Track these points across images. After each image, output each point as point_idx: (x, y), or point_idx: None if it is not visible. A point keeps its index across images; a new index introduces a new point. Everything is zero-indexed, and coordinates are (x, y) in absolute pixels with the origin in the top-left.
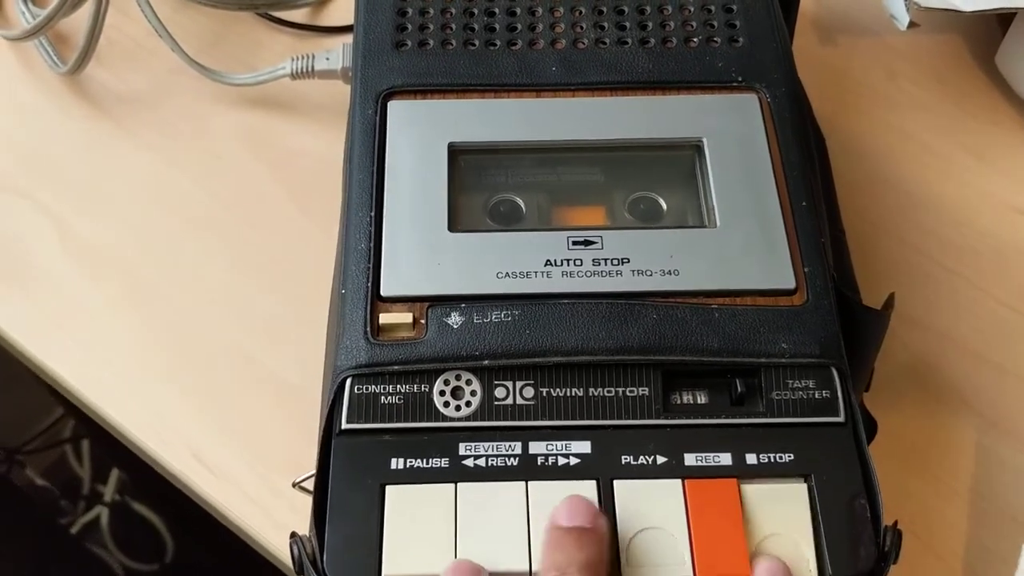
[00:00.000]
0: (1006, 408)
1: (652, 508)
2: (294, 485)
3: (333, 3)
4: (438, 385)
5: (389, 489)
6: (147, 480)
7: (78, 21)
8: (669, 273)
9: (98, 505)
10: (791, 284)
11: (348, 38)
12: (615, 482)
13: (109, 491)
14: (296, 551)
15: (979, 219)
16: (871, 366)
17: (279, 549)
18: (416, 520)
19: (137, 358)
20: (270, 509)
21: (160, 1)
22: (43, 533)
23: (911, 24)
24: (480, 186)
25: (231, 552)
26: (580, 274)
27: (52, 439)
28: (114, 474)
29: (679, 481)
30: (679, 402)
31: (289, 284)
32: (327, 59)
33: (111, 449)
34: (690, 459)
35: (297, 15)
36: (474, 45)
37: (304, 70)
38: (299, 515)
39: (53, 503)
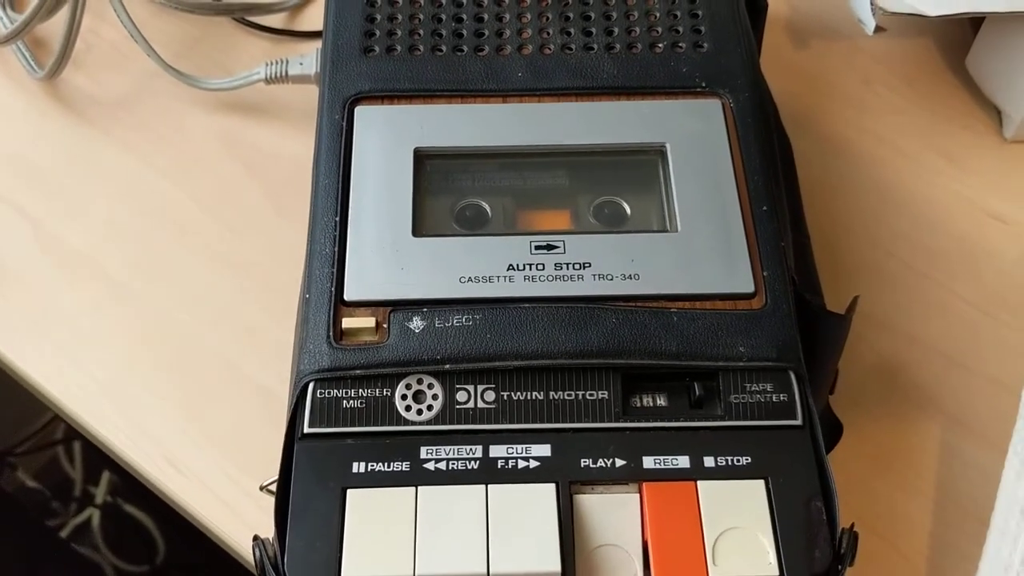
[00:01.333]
0: (972, 408)
1: (609, 522)
2: (261, 488)
3: (309, 8)
4: (400, 389)
5: (350, 492)
6: (138, 482)
7: (55, 26)
8: (630, 277)
9: (89, 507)
10: (750, 288)
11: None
12: (574, 498)
13: (100, 493)
14: (258, 554)
15: (950, 221)
16: (834, 369)
17: (250, 552)
18: (377, 523)
19: (113, 362)
20: (242, 512)
21: (136, 6)
22: (34, 535)
23: (878, 28)
24: (446, 191)
25: (221, 553)
26: (542, 279)
27: (43, 441)
28: (105, 476)
29: (636, 495)
30: (638, 405)
31: (266, 285)
32: (301, 64)
33: (102, 451)
34: (649, 462)
35: (273, 20)
36: (441, 51)
37: (278, 75)
38: (271, 517)
39: (44, 505)
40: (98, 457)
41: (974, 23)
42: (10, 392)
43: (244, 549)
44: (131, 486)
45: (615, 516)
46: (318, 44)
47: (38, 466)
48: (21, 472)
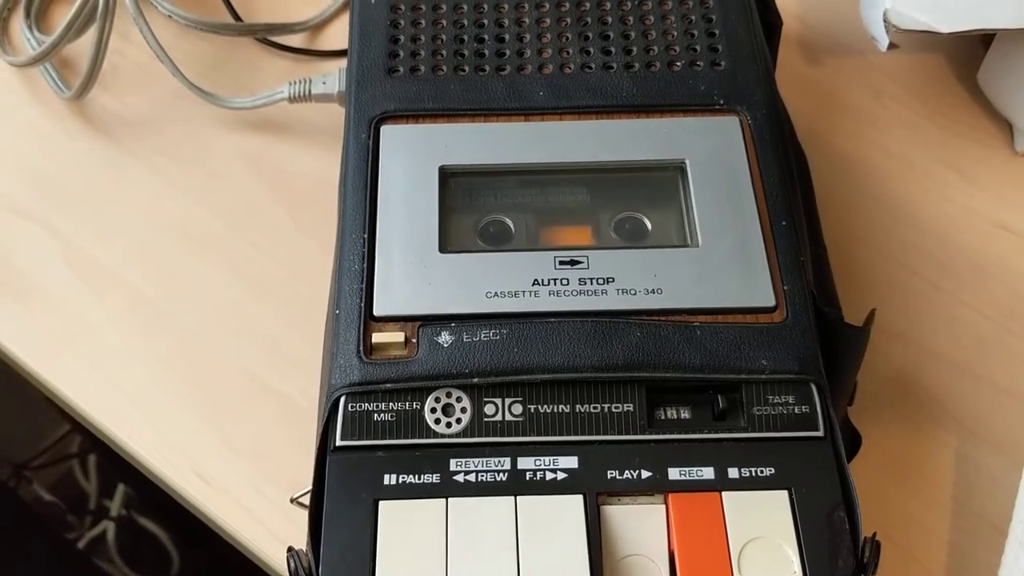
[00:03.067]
0: (985, 418)
1: (636, 533)
2: (292, 501)
3: (330, 28)
4: (429, 402)
5: (382, 504)
6: (153, 495)
7: (82, 47)
8: (653, 292)
9: (104, 520)
10: (771, 302)
11: (344, 62)
12: (601, 508)
13: (115, 506)
14: (293, 565)
15: (961, 234)
16: (853, 381)
17: (279, 563)
18: (408, 534)
19: (140, 375)
20: (270, 524)
21: (161, 27)
22: (50, 548)
23: (891, 46)
24: (470, 208)
25: (236, 567)
26: (566, 293)
27: (59, 454)
28: (120, 489)
29: (662, 506)
30: (663, 418)
31: (289, 301)
32: (323, 83)
33: (117, 464)
34: (674, 473)
35: (295, 40)
36: (464, 71)
37: (301, 94)
38: (299, 529)
39: (60, 518)
40: (113, 470)
41: (985, 39)
42: (25, 405)
43: (272, 560)
44: (146, 499)
45: (641, 526)
46: (340, 63)
47: (53, 479)
48: (37, 485)
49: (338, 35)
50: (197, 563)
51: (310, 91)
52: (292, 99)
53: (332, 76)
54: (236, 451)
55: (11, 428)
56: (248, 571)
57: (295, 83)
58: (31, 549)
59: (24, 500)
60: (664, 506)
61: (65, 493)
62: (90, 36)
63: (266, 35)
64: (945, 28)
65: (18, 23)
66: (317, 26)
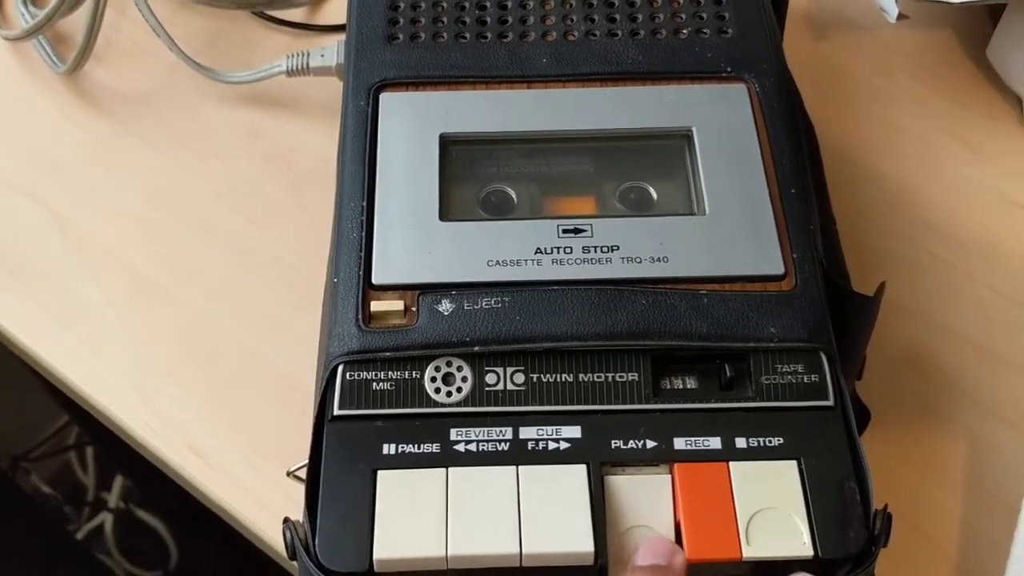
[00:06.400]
0: (997, 394)
1: (640, 503)
2: (288, 474)
3: (328, 2)
4: (429, 371)
5: (381, 474)
6: (151, 487)
7: (76, 21)
8: (659, 260)
9: (102, 512)
10: (780, 270)
11: (342, 36)
12: (605, 479)
13: (113, 498)
14: (289, 536)
15: (972, 210)
16: (863, 352)
17: (275, 539)
18: (408, 504)
19: (137, 353)
20: (267, 500)
21: (158, 1)
22: (48, 540)
23: (900, 16)
24: (471, 176)
25: (235, 559)
26: (570, 261)
27: (57, 446)
28: (118, 481)
29: (667, 476)
30: (669, 387)
31: (287, 277)
32: (322, 56)
33: (115, 456)
34: (680, 443)
35: (293, 14)
36: (465, 38)
37: (299, 67)
38: (296, 504)
39: (58, 510)
40: (110, 462)
41: (993, 13)
42: (22, 397)
43: (268, 536)
44: (144, 491)
45: (646, 497)
46: (338, 37)
47: (51, 471)
48: (35, 477)
49: (336, 10)
50: (195, 555)
51: (308, 64)
52: (290, 72)
53: (330, 48)
54: (233, 428)
55: (9, 420)
56: (247, 563)
57: (293, 56)
58: (29, 541)
59: (22, 491)
60: (670, 476)
61: (63, 485)
62: (85, 9)
63: (264, 9)
64: None
65: None
66: (315, 1)
